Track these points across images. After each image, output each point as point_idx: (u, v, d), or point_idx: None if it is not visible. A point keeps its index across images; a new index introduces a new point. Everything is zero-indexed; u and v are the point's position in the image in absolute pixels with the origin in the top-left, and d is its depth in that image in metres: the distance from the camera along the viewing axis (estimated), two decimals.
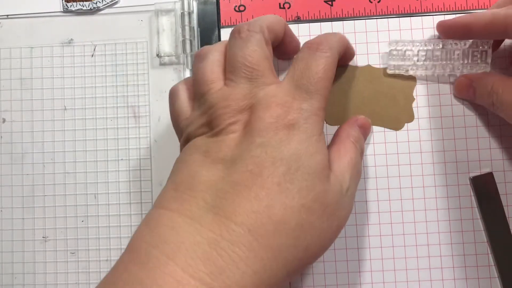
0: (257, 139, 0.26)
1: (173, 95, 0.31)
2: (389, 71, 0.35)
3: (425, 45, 0.34)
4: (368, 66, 0.35)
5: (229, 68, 0.28)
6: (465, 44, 0.33)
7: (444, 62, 0.34)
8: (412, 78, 0.35)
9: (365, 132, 0.33)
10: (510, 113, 0.31)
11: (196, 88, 0.29)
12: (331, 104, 0.35)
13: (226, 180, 0.25)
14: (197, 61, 0.30)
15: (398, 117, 0.35)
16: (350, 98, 0.35)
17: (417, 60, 0.34)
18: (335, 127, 0.35)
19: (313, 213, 0.25)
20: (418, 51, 0.34)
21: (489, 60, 0.33)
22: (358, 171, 0.29)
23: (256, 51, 0.28)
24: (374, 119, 0.35)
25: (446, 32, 0.34)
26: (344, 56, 0.32)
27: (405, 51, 0.34)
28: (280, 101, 0.27)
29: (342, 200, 0.27)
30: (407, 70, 0.34)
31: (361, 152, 0.31)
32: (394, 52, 0.34)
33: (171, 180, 0.27)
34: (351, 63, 0.35)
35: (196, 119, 0.28)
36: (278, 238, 0.24)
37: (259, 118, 0.26)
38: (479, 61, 0.33)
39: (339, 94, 0.35)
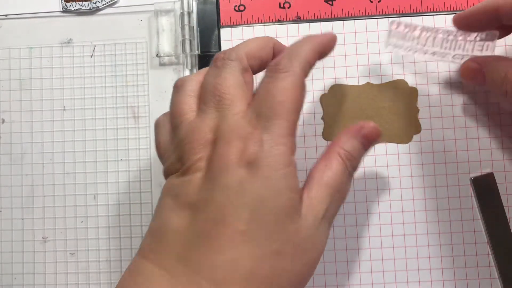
0: (218, 181, 0.24)
1: (155, 128, 0.30)
2: (386, 48, 0.33)
3: (428, 30, 0.31)
4: (368, 83, 0.35)
5: (201, 97, 0.27)
6: (469, 35, 0.31)
7: (444, 50, 0.32)
8: (414, 90, 0.35)
9: (369, 143, 0.28)
10: None
11: (171, 120, 0.28)
12: (336, 127, 0.35)
13: (192, 229, 0.24)
14: (173, 92, 0.29)
15: (405, 130, 0.34)
16: (354, 118, 0.35)
17: (418, 43, 0.32)
18: None
19: (285, 257, 0.24)
20: (420, 34, 0.31)
21: (491, 53, 0.32)
22: (341, 195, 0.27)
23: (226, 79, 0.26)
24: (383, 136, 0.34)
25: (468, 22, 0.31)
26: (321, 55, 0.29)
27: (406, 32, 0.32)
28: (241, 133, 0.25)
29: (317, 232, 0.25)
30: (408, 50, 0.32)
31: (350, 171, 0.27)
32: (395, 31, 0.32)
33: (150, 226, 0.26)
34: (351, 82, 0.35)
35: (170, 154, 0.27)
36: None
37: (219, 156, 0.24)
38: (481, 53, 0.32)
39: (342, 115, 0.35)
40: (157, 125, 0.30)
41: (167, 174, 0.28)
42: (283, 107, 0.25)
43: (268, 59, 0.29)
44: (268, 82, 0.26)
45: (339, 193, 0.26)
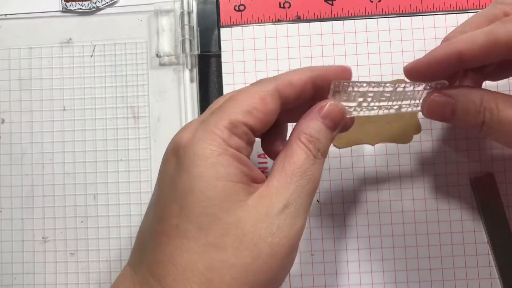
0: (160, 174, 0.25)
1: None
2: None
3: (373, 87, 0.27)
4: None
5: None
6: (418, 86, 0.28)
7: (391, 102, 0.28)
8: None
9: (333, 122, 0.26)
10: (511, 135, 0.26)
11: None
12: None
13: (148, 227, 0.25)
14: None
15: (405, 130, 0.34)
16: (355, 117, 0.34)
17: (363, 101, 0.27)
18: (345, 150, 0.35)
19: (225, 249, 0.22)
20: (365, 92, 0.27)
21: None
22: (308, 180, 0.25)
23: (242, 90, 0.26)
24: (383, 135, 0.34)
25: (427, 72, 0.28)
26: (319, 84, 0.27)
27: (349, 92, 0.27)
28: (188, 124, 0.26)
29: (275, 223, 0.23)
30: (350, 113, 0.27)
31: (316, 154, 0.25)
32: (337, 93, 0.27)
33: None
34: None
35: None
36: (187, 285, 0.22)
37: (169, 145, 0.26)
38: None
39: None
40: None
41: None
42: (233, 105, 0.24)
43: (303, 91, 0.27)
44: None
45: (304, 179, 0.24)
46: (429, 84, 0.27)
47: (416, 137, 0.34)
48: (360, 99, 0.27)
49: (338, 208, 0.34)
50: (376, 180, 0.34)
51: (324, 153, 0.26)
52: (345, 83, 0.26)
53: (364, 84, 0.26)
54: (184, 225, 0.23)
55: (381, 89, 0.27)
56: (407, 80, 0.34)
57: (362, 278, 0.34)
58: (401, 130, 0.34)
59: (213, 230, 0.23)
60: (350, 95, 0.27)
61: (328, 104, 0.26)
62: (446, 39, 0.29)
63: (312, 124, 0.25)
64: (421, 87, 0.28)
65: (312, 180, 0.25)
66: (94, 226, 0.36)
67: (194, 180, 0.23)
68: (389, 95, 0.27)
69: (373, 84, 0.26)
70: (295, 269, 0.34)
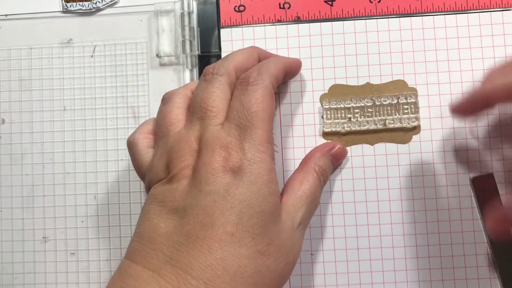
0: (204, 187, 0.26)
1: (131, 147, 0.31)
2: (325, 130, 0.34)
3: (356, 102, 0.34)
4: (368, 83, 0.35)
5: (190, 109, 0.29)
6: (393, 100, 0.34)
7: (377, 118, 0.34)
8: (414, 90, 0.35)
9: (337, 161, 0.33)
10: None
11: (158, 130, 0.30)
12: None
13: (180, 232, 0.25)
14: (161, 104, 0.31)
15: (404, 130, 0.34)
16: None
17: (352, 117, 0.34)
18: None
19: (269, 256, 0.26)
20: (351, 108, 0.34)
21: (418, 114, 0.34)
22: (315, 205, 0.30)
23: (214, 93, 0.28)
24: (382, 135, 0.34)
25: (466, 110, 0.30)
26: (288, 74, 0.33)
27: (338, 109, 0.34)
28: (223, 143, 0.27)
29: (295, 235, 0.28)
30: (343, 127, 0.34)
31: (322, 185, 0.31)
32: (328, 111, 0.34)
33: (136, 231, 0.27)
34: (350, 82, 0.35)
35: (156, 163, 0.28)
36: (237, 287, 0.25)
37: (205, 164, 0.26)
38: (409, 114, 0.34)
39: None
40: (132, 143, 0.31)
41: (150, 185, 0.28)
42: (259, 117, 0.27)
43: None
44: (241, 94, 0.28)
45: (313, 204, 0.30)
46: (403, 94, 0.34)
47: (415, 137, 0.34)
48: (349, 115, 0.34)
49: (337, 208, 0.34)
50: (376, 180, 0.35)
51: (325, 183, 0.32)
52: (334, 101, 0.34)
53: (348, 100, 0.34)
54: (240, 233, 0.25)
55: (362, 104, 0.34)
56: (406, 81, 0.34)
57: (362, 277, 0.34)
58: (400, 130, 0.34)
59: (263, 239, 0.26)
60: (338, 112, 0.34)
61: (337, 147, 0.33)
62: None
63: (324, 159, 0.32)
64: (395, 101, 0.34)
65: (315, 204, 0.30)
66: (95, 226, 0.36)
67: (252, 195, 0.26)
68: (371, 110, 0.34)
69: (355, 100, 0.34)
70: (295, 268, 0.34)
